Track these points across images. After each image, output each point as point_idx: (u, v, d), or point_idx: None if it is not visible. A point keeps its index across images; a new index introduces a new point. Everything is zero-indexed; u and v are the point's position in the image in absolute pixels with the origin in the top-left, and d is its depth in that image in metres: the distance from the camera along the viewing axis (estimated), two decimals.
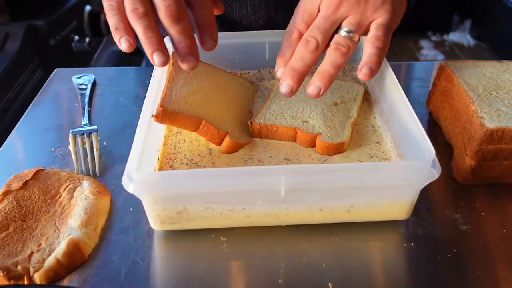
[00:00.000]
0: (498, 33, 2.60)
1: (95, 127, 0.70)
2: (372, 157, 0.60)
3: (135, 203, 0.58)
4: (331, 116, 0.65)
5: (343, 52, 0.56)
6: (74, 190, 0.59)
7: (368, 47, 0.56)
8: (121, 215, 0.58)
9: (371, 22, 0.57)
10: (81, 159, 0.65)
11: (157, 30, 0.52)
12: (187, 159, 0.60)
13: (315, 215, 0.54)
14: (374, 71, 0.55)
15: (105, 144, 0.69)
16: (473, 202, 0.59)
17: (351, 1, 0.56)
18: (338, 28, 0.57)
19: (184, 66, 0.55)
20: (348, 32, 0.56)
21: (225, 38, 0.74)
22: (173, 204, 0.52)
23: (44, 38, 1.19)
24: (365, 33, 0.57)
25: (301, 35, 0.58)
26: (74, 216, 0.55)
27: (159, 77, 0.65)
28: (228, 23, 0.84)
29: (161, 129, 0.64)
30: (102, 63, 1.46)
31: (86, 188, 0.59)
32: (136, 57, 1.36)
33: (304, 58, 0.56)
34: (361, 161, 0.59)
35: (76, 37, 1.29)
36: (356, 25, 0.56)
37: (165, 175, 0.51)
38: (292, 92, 0.57)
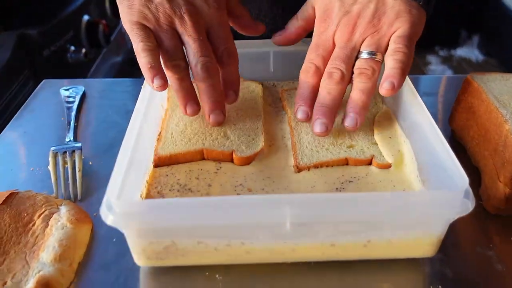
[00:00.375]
0: (507, 49, 2.53)
1: (79, 144, 0.63)
2: (391, 181, 0.52)
3: (120, 233, 0.50)
4: (367, 131, 0.60)
5: (368, 76, 0.53)
6: (50, 217, 0.52)
7: (389, 61, 0.52)
8: (102, 248, 0.51)
9: (390, 36, 0.54)
10: (61, 180, 0.57)
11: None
12: (179, 185, 0.52)
13: (326, 252, 0.46)
14: (396, 85, 0.50)
15: (90, 163, 0.62)
16: (508, 236, 0.51)
17: (364, 22, 0.54)
18: (358, 53, 0.55)
19: (211, 120, 0.57)
20: (369, 54, 0.54)
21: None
22: (160, 237, 0.44)
23: (37, 48, 1.13)
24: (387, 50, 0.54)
25: (318, 70, 0.56)
26: (47, 249, 0.48)
27: (150, 89, 0.58)
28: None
29: (150, 147, 0.56)
30: (101, 76, 1.40)
31: (63, 215, 0.51)
32: (136, 69, 1.28)
33: (331, 91, 0.55)
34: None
35: (72, 48, 1.23)
36: (376, 45, 0.54)
37: (151, 204, 0.43)
38: (327, 131, 0.56)
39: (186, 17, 0.54)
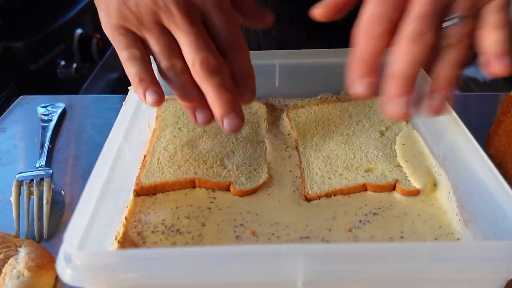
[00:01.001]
0: None
1: (50, 171, 0.53)
2: (419, 215, 0.43)
3: None
4: (388, 152, 0.50)
5: (464, 47, 0.39)
6: (5, 263, 0.42)
7: (491, 33, 0.38)
8: None
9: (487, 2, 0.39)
10: (24, 215, 0.48)
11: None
12: (165, 226, 0.42)
13: None
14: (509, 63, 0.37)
15: (63, 193, 0.53)
16: None
17: None
18: (451, 13, 0.39)
19: (226, 126, 0.43)
20: (464, 18, 0.39)
21: None
22: None
23: (23, 62, 1.05)
24: None
25: (390, 26, 0.39)
26: None
27: (135, 106, 0.49)
28: None
29: (132, 177, 0.47)
30: (95, 93, 1.31)
31: (21, 261, 0.42)
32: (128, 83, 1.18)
33: (416, 58, 0.38)
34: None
35: (62, 62, 1.15)
36: (472, 4, 0.39)
37: (125, 255, 0.33)
38: (409, 114, 0.39)
39: (173, 8, 0.43)
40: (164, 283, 0.33)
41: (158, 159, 0.49)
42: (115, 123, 0.46)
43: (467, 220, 0.41)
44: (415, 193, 0.45)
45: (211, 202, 0.45)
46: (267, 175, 0.47)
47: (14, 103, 0.71)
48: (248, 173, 0.47)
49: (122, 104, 0.71)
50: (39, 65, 1.09)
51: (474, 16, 0.39)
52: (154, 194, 0.46)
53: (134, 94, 0.51)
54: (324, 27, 0.48)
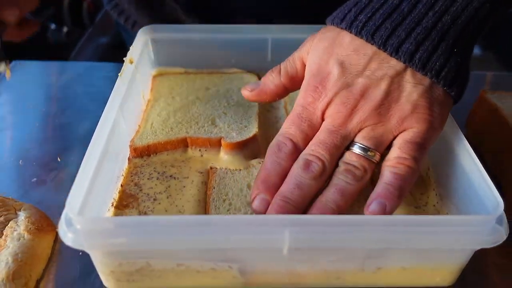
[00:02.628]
0: (506, 42, 2.47)
1: None
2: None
3: None
4: None
5: (356, 176, 0.39)
6: (5, 225, 0.44)
7: (386, 172, 0.39)
8: (66, 263, 0.43)
9: (396, 136, 0.40)
10: None
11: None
12: (158, 172, 0.46)
13: (328, 279, 0.39)
14: (388, 210, 0.37)
15: (58, 159, 0.54)
16: None
17: (367, 107, 0.40)
18: (351, 143, 0.41)
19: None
20: (365, 149, 0.40)
21: (219, 32, 0.60)
22: (132, 259, 0.37)
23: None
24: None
25: (296, 151, 0.41)
26: None
27: (129, 78, 0.51)
28: (216, 19, 0.69)
29: (127, 146, 0.49)
30: (84, 58, 1.30)
31: (21, 223, 0.44)
32: (123, 52, 1.19)
33: (302, 186, 0.39)
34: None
35: (53, 26, 1.14)
36: (375, 140, 0.40)
37: (121, 222, 0.36)
38: None
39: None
40: (156, 247, 0.36)
41: (152, 124, 0.51)
42: (111, 95, 0.47)
43: (443, 195, 0.44)
44: None
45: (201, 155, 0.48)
46: (257, 130, 0.49)
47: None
48: (238, 129, 0.50)
49: (115, 73, 0.72)
50: None
51: (379, 150, 0.40)
52: (148, 155, 0.48)
53: (129, 66, 0.53)
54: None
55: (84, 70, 0.73)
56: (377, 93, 0.40)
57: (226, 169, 0.46)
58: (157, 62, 0.61)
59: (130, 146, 0.48)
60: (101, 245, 0.35)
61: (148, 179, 0.46)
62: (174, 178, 0.46)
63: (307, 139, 0.42)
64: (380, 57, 0.41)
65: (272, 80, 0.47)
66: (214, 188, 0.44)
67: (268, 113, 0.56)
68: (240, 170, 0.46)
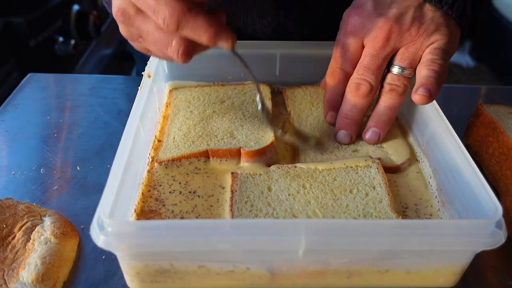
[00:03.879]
0: (498, 55, 2.53)
1: None
2: (407, 208, 0.48)
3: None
4: None
5: (399, 93, 0.50)
6: (32, 230, 0.46)
7: (424, 70, 0.48)
8: (90, 265, 0.46)
9: (425, 49, 0.49)
10: None
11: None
12: (178, 183, 0.49)
13: (340, 279, 0.42)
14: (432, 94, 0.47)
15: (78, 168, 0.57)
16: None
17: (400, 29, 0.49)
18: (390, 65, 0.51)
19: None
20: (402, 69, 0.50)
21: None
22: (156, 260, 0.40)
23: (23, 38, 1.07)
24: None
25: (347, 75, 0.52)
26: (29, 266, 0.43)
27: (148, 91, 0.53)
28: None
29: (146, 154, 0.51)
30: (89, 69, 1.33)
31: (47, 228, 0.46)
32: (127, 63, 1.22)
33: (357, 104, 0.52)
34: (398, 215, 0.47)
35: (60, 39, 1.17)
36: (410, 59, 0.49)
37: (148, 225, 0.38)
38: (351, 141, 0.54)
39: None
40: (180, 249, 0.38)
41: (174, 138, 0.54)
42: (133, 107, 0.50)
43: (445, 202, 0.47)
44: (396, 168, 0.52)
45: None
46: (273, 138, 0.52)
47: (23, 81, 0.74)
48: (256, 139, 0.53)
49: (125, 85, 0.76)
50: (38, 41, 1.11)
51: (413, 66, 0.49)
52: (171, 167, 0.51)
53: (147, 79, 0.55)
54: (316, 15, 0.62)
55: (96, 83, 0.76)
56: (407, 18, 0.49)
57: (247, 173, 0.49)
58: (170, 76, 0.64)
59: (155, 160, 0.51)
60: (129, 246, 0.37)
61: (170, 192, 0.48)
62: (199, 196, 0.48)
63: (354, 64, 0.51)
64: None
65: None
66: (236, 191, 0.47)
67: None
68: (260, 174, 0.49)
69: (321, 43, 0.63)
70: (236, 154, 0.51)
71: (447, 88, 0.84)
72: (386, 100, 0.51)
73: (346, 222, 0.37)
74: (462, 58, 2.83)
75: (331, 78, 0.53)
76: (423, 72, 0.47)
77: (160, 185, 0.49)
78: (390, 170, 0.52)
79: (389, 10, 0.49)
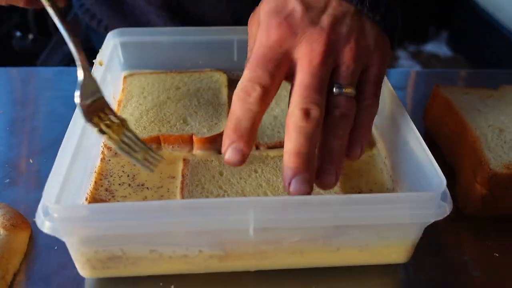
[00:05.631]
0: (475, 45, 2.59)
1: None
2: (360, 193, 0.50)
3: (62, 240, 0.47)
4: None
5: (349, 118, 0.42)
6: None
7: (361, 114, 0.43)
8: (42, 257, 0.46)
9: (363, 70, 0.44)
10: None
11: None
12: (127, 175, 0.50)
13: (293, 259, 0.43)
14: (363, 150, 0.43)
15: (31, 161, 0.57)
16: (484, 240, 0.50)
17: (340, 43, 0.42)
18: (331, 85, 0.42)
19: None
20: (348, 90, 0.42)
21: (186, 35, 0.65)
22: (106, 246, 0.41)
23: None
24: None
25: (266, 94, 0.40)
26: None
27: (100, 78, 0.54)
28: (188, 18, 0.74)
29: (98, 142, 0.52)
30: (51, 65, 1.32)
31: None
32: (92, 56, 1.20)
33: (310, 135, 0.39)
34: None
35: (18, 34, 1.16)
36: (353, 78, 0.42)
37: (94, 208, 0.39)
38: (311, 189, 0.40)
39: None
40: (129, 231, 0.39)
41: None
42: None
43: (397, 180, 0.49)
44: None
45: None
46: None
47: None
48: (209, 126, 0.54)
49: None
50: None
51: (354, 86, 0.43)
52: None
53: (98, 67, 0.56)
54: None
55: (52, 75, 0.76)
56: (344, 29, 0.42)
57: (198, 160, 0.50)
58: (126, 65, 0.65)
59: (104, 146, 0.52)
60: (76, 231, 0.38)
61: (119, 184, 0.49)
62: (148, 188, 0.49)
63: (276, 80, 0.41)
64: None
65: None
66: (187, 175, 0.48)
67: None
68: (212, 160, 0.50)
69: None
70: (188, 140, 0.52)
71: (423, 73, 0.87)
72: (337, 129, 0.41)
73: (294, 199, 0.38)
74: (439, 48, 2.89)
75: (243, 97, 0.40)
76: (361, 117, 0.43)
77: (111, 176, 0.50)
78: None
79: (322, 17, 0.42)
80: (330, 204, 0.39)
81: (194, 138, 0.52)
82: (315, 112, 0.39)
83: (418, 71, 0.86)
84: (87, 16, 0.82)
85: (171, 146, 0.52)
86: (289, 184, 0.38)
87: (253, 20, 0.47)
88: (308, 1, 0.43)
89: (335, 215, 0.39)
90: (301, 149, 0.39)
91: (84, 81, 0.44)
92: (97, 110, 0.44)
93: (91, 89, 0.44)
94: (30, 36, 1.18)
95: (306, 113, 0.39)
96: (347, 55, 0.42)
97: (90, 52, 0.92)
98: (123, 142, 0.44)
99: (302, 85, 0.40)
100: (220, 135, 0.52)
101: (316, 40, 0.41)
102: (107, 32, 0.79)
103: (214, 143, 0.52)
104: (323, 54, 0.41)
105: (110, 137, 0.43)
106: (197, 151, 0.52)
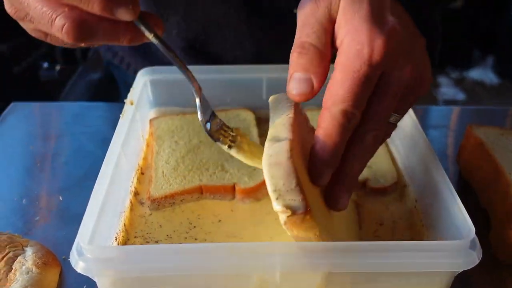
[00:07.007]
0: None
1: None
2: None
3: (91, 279, 0.51)
4: None
5: (380, 143, 0.46)
6: (14, 260, 0.52)
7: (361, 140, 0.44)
8: None
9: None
10: None
11: None
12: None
13: None
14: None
15: (60, 198, 0.63)
16: None
17: (410, 87, 0.45)
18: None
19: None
20: (396, 118, 0.46)
21: (214, 73, 0.70)
22: (138, 287, 0.45)
23: (6, 65, 1.14)
24: None
25: (355, 121, 0.43)
26: None
27: (130, 119, 0.59)
28: (211, 58, 0.79)
29: (128, 182, 0.57)
30: (76, 95, 1.40)
31: (29, 258, 0.52)
32: (114, 87, 1.27)
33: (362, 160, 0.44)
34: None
35: (45, 65, 1.24)
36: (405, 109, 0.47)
37: (127, 250, 0.44)
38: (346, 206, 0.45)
39: None
40: (159, 274, 0.43)
41: (163, 173, 0.59)
42: (114, 135, 0.56)
43: (428, 225, 0.52)
44: (383, 189, 0.57)
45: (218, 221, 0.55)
46: None
47: (6, 110, 0.81)
48: (249, 173, 0.57)
49: (110, 113, 0.83)
50: (22, 68, 1.18)
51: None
52: (164, 204, 0.56)
53: (129, 107, 0.61)
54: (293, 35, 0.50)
55: (80, 110, 0.82)
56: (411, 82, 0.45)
57: None
58: (155, 103, 0.70)
59: (148, 198, 0.56)
60: (109, 272, 0.42)
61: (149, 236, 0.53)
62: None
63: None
64: None
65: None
66: None
67: None
68: None
69: None
70: (230, 190, 0.56)
71: (465, 110, 0.88)
72: (366, 154, 0.45)
73: (319, 244, 0.42)
74: (485, 75, 2.88)
75: (342, 122, 0.41)
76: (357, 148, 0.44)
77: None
78: (377, 190, 0.57)
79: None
80: (358, 250, 0.42)
81: (237, 189, 0.56)
82: (378, 138, 0.44)
83: (462, 108, 0.87)
84: (109, 53, 0.88)
85: (212, 196, 0.57)
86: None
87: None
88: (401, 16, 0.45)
89: (365, 262, 0.42)
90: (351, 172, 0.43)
91: (202, 104, 0.49)
92: (218, 128, 0.50)
93: (207, 110, 0.50)
94: (57, 68, 1.26)
95: (376, 139, 0.44)
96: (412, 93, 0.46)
97: (112, 85, 0.97)
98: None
99: (376, 114, 0.43)
100: (263, 183, 0.56)
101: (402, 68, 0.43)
102: (129, 69, 0.86)
103: (257, 192, 0.56)
104: (402, 90, 0.44)
105: (238, 151, 0.49)
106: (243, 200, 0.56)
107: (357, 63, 0.41)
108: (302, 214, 0.38)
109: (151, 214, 0.55)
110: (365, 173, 0.58)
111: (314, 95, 0.43)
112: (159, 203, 0.56)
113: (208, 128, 0.49)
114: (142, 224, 0.54)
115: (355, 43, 0.42)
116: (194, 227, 0.54)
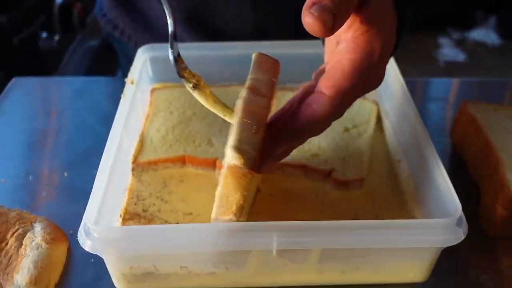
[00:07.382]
0: None
1: None
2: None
3: None
4: (344, 146, 0.61)
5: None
6: (24, 236, 0.54)
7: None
8: (80, 268, 0.54)
9: None
10: None
11: None
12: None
13: (313, 277, 0.50)
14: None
15: (65, 175, 0.65)
16: (506, 260, 0.55)
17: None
18: None
19: None
20: None
21: (213, 49, 0.71)
22: (140, 263, 0.48)
23: (6, 36, 1.15)
24: None
25: None
26: (22, 271, 0.51)
27: (131, 98, 0.61)
28: (211, 30, 0.80)
29: (127, 161, 0.59)
30: (75, 65, 1.41)
31: (38, 234, 0.54)
32: (113, 55, 1.27)
33: None
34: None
35: (44, 35, 1.25)
36: None
37: (131, 230, 0.47)
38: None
39: None
40: (161, 253, 0.46)
41: (151, 140, 0.62)
42: (116, 115, 0.58)
43: (419, 201, 0.54)
44: (345, 183, 0.57)
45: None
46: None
47: (8, 86, 0.82)
48: None
49: (112, 87, 0.84)
50: (21, 39, 1.19)
51: None
52: (147, 168, 0.59)
53: (130, 86, 0.63)
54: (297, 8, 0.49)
55: (81, 85, 0.84)
56: None
57: None
58: (155, 80, 0.72)
59: (133, 162, 0.59)
60: (114, 250, 0.45)
61: (151, 205, 0.56)
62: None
63: None
64: None
65: None
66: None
67: None
68: None
69: (306, 43, 0.70)
70: (212, 163, 0.59)
71: (464, 82, 0.89)
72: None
73: (314, 223, 0.45)
74: (487, 36, 2.86)
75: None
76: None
77: (143, 198, 0.57)
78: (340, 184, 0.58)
79: None
80: (350, 228, 0.45)
81: (218, 165, 0.58)
82: None
83: (462, 80, 0.88)
84: (109, 25, 0.89)
85: (195, 167, 0.59)
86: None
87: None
88: None
89: (357, 239, 0.45)
90: None
91: (172, 38, 0.48)
92: (184, 68, 0.49)
93: (176, 50, 0.49)
94: (56, 37, 1.26)
95: None
96: None
97: (111, 53, 0.97)
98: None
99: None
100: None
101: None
102: (130, 41, 0.86)
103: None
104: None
105: (201, 93, 0.49)
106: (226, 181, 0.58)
107: (366, 64, 0.44)
108: (247, 169, 0.41)
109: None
110: (335, 163, 0.59)
111: (330, 34, 0.40)
112: (142, 168, 0.59)
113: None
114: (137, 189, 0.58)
115: (371, 44, 0.44)
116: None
